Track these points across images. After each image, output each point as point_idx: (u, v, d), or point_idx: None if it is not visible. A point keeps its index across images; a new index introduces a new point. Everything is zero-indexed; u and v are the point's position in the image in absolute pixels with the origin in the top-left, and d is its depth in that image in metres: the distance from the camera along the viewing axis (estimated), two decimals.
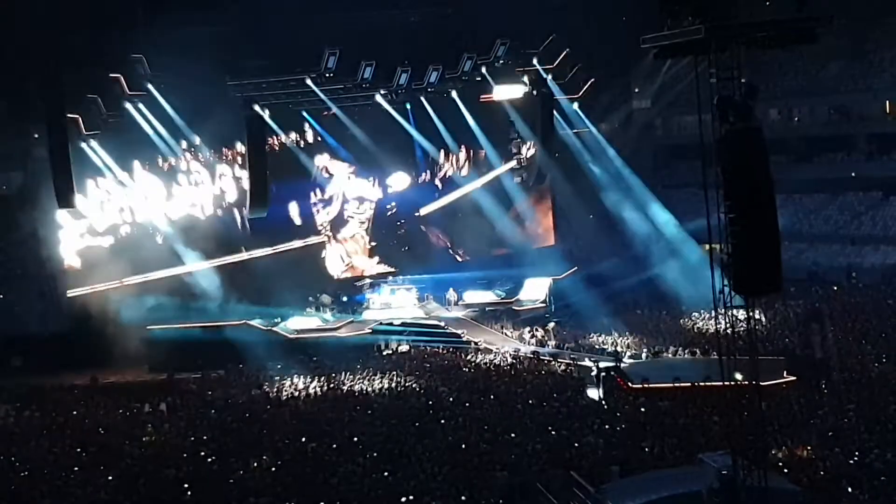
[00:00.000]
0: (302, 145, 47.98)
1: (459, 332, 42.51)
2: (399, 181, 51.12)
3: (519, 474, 24.76)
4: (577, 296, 45.94)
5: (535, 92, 52.01)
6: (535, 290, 47.55)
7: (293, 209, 48.07)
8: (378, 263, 50.65)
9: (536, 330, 42.27)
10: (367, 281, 48.98)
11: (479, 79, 50.30)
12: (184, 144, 44.59)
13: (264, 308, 44.55)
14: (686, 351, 36.97)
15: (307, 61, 44.52)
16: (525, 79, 51.65)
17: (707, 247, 20.60)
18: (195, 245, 44.62)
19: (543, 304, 46.48)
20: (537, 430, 28.57)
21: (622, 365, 35.34)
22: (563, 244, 55.20)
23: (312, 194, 49.00)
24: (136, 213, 44.17)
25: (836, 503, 21.63)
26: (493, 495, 23.65)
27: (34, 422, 33.41)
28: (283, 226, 47.54)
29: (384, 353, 41.89)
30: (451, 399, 32.60)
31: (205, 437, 30.22)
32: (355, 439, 28.77)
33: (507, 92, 51.38)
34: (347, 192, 49.90)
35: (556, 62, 51.49)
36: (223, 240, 45.48)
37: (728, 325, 20.38)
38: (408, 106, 50.21)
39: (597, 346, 38.80)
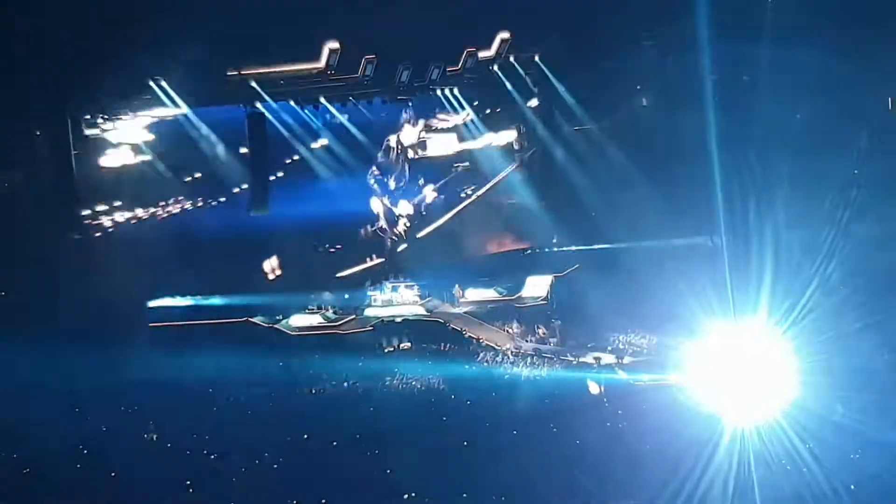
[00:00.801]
0: None
1: (461, 329, 42.48)
2: None
3: (520, 471, 24.74)
4: (579, 293, 45.87)
5: (536, 89, 51.96)
6: (537, 288, 47.46)
7: None
8: None
9: (538, 327, 42.24)
10: (369, 278, 48.91)
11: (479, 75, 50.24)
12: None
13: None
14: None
15: (308, 58, 44.39)
16: (528, 79, 51.61)
17: (710, 242, 20.59)
18: None
19: (545, 302, 46.38)
20: (539, 426, 28.55)
21: (624, 362, 35.32)
22: (566, 242, 54.97)
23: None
24: None
25: (837, 501, 21.61)
26: (494, 492, 23.62)
27: (36, 419, 33.38)
28: None
29: (386, 350, 41.97)
30: (452, 396, 32.60)
31: (206, 436, 30.22)
32: (357, 436, 28.76)
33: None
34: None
35: (558, 59, 51.34)
36: None
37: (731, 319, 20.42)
38: (410, 103, 50.24)
39: (599, 343, 38.75)
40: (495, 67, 49.86)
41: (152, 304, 44.15)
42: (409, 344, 42.64)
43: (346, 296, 47.39)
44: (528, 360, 37.61)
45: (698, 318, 39.81)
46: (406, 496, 23.69)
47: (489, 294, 47.32)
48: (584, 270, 48.66)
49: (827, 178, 52.36)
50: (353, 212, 48.60)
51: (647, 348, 37.90)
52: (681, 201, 46.63)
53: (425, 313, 45.01)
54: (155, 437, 30.78)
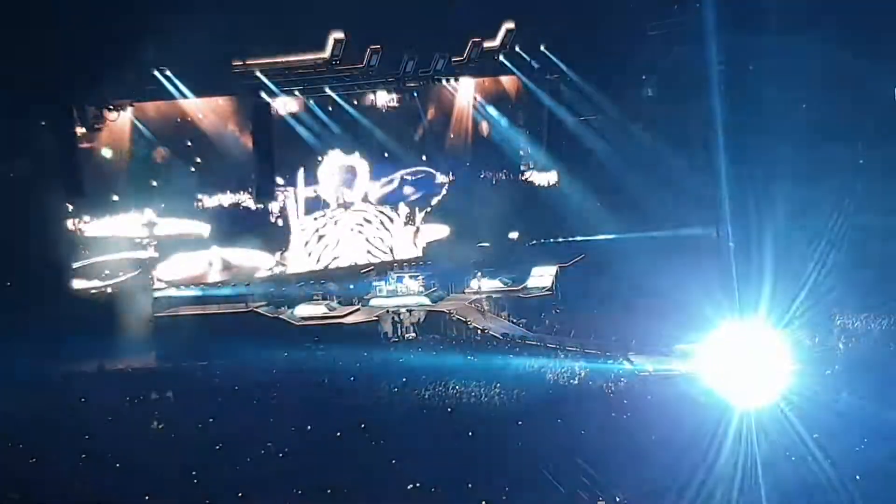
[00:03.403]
0: None
1: (466, 319, 42.50)
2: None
3: (526, 462, 24.74)
4: (584, 283, 46.04)
5: (547, 76, 51.98)
6: (541, 278, 47.45)
7: None
8: None
9: (543, 317, 42.32)
10: (374, 269, 48.98)
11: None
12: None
13: None
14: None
15: (314, 48, 44.40)
16: (533, 63, 51.60)
17: (715, 233, 20.58)
18: None
19: (551, 292, 46.38)
20: (544, 417, 28.55)
21: (629, 352, 35.32)
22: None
23: None
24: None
25: (843, 492, 21.55)
26: (499, 483, 23.61)
27: (41, 409, 33.43)
28: None
29: (391, 340, 42.06)
30: (456, 387, 32.56)
31: (212, 425, 30.27)
32: (362, 426, 28.81)
33: None
34: None
35: (562, 48, 51.39)
36: None
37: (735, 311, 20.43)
38: (416, 94, 50.43)
39: (603, 334, 38.72)
40: (500, 57, 49.97)
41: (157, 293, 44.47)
42: (414, 334, 42.76)
43: (351, 286, 47.48)
44: (533, 349, 37.54)
45: (703, 309, 40.03)
46: (410, 486, 23.70)
47: (494, 284, 47.33)
48: (591, 261, 48.78)
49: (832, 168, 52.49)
50: None
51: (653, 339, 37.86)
52: (686, 192, 46.71)
53: (430, 304, 45.02)
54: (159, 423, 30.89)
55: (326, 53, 44.14)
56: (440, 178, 52.44)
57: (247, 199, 46.27)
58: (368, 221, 50.82)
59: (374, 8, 43.23)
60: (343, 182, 49.31)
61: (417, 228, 52.10)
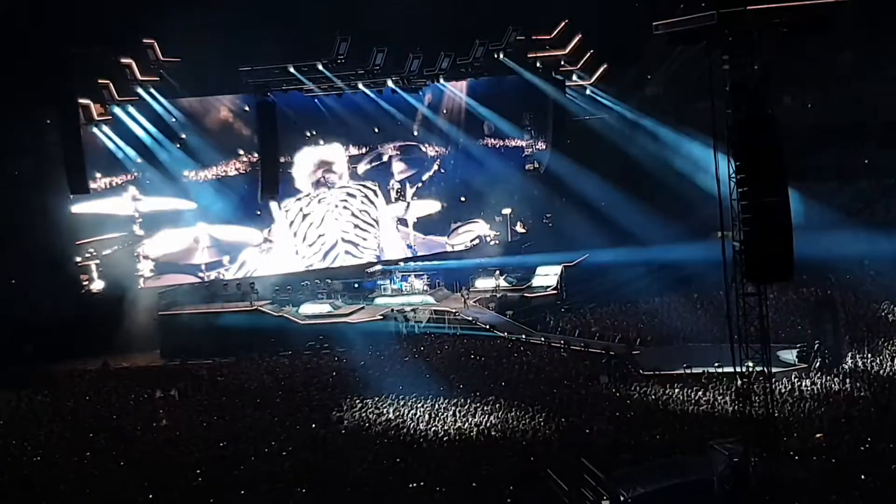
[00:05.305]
0: None
1: (472, 318, 42.51)
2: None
3: (529, 461, 24.74)
4: (587, 283, 46.07)
5: (552, 74, 51.91)
6: (547, 278, 47.44)
7: None
8: None
9: (548, 317, 42.31)
10: (379, 268, 49.00)
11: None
12: None
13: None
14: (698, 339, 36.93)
15: (319, 47, 44.41)
16: (537, 64, 51.55)
17: (720, 235, 20.51)
18: None
19: (555, 291, 46.35)
20: (548, 416, 28.56)
21: (633, 352, 35.29)
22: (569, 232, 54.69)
23: None
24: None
25: (847, 490, 21.55)
26: (503, 482, 23.60)
27: (47, 407, 33.52)
28: None
29: (396, 339, 42.08)
30: (461, 386, 32.54)
31: (216, 423, 30.31)
32: (366, 426, 28.84)
33: None
34: None
35: (569, 48, 51.33)
36: None
37: (740, 312, 20.38)
38: (421, 92, 50.46)
39: (608, 333, 38.75)
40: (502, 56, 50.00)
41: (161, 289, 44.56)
42: (418, 332, 42.88)
43: (356, 285, 47.50)
44: (538, 348, 37.56)
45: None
46: (414, 485, 23.70)
47: (500, 284, 47.34)
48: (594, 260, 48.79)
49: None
50: None
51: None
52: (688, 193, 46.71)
53: (435, 302, 45.04)
54: (164, 421, 30.95)
55: (332, 52, 44.15)
56: (430, 153, 52.55)
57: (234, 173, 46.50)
58: (352, 196, 50.74)
59: (379, 7, 43.27)
60: (324, 169, 49.46)
61: (408, 204, 52.15)
